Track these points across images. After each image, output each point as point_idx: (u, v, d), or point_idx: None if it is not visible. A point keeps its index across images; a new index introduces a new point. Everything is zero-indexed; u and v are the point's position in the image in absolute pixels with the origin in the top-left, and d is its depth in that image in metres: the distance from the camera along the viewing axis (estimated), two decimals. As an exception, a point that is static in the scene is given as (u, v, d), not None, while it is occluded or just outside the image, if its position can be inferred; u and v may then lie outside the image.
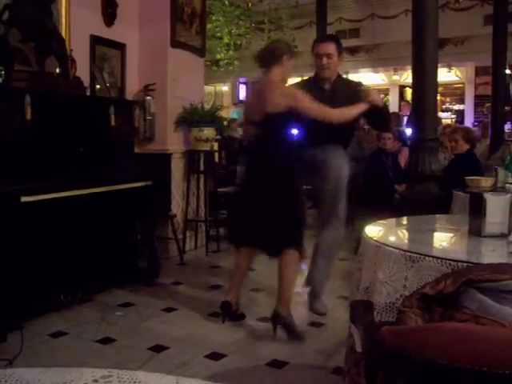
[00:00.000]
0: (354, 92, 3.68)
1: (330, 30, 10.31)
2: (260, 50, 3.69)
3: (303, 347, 3.31)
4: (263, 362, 3.06)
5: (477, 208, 2.23)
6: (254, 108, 3.59)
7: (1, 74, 3.63)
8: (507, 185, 3.45)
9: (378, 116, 3.74)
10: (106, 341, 3.35)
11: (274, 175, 3.46)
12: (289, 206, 3.50)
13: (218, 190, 6.39)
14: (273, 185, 3.46)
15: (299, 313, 3.78)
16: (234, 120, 11.11)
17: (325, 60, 3.71)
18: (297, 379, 2.94)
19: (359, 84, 3.84)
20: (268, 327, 3.51)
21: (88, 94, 4.66)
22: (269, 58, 3.54)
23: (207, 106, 5.95)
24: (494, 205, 2.19)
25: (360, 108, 3.53)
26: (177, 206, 5.62)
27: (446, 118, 12.59)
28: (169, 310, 3.98)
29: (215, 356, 3.15)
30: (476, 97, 12.87)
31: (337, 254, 4.12)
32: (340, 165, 3.71)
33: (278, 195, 3.46)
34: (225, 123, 7.98)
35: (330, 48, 3.74)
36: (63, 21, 4.47)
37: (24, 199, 3.32)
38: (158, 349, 3.24)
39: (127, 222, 4.56)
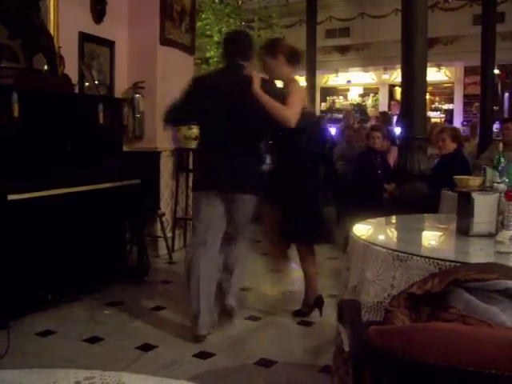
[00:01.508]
0: None
1: (320, 29, 10.33)
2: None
3: (292, 346, 3.31)
4: (251, 361, 3.06)
5: (465, 207, 2.24)
6: None
7: (-13, 70, 3.60)
8: (495, 184, 3.45)
9: None
10: (94, 340, 3.34)
11: None
12: None
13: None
14: None
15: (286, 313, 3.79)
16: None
17: None
18: (285, 378, 2.94)
19: None
20: (256, 326, 3.50)
21: (76, 91, 4.62)
22: None
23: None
24: (482, 204, 2.20)
25: None
26: (166, 205, 5.60)
27: (436, 117, 12.64)
28: (157, 308, 3.96)
29: (203, 355, 3.14)
30: (465, 96, 12.94)
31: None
32: None
33: None
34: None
35: None
36: (51, 17, 4.42)
37: (11, 197, 3.30)
38: (146, 348, 3.22)
39: (116, 220, 4.54)
